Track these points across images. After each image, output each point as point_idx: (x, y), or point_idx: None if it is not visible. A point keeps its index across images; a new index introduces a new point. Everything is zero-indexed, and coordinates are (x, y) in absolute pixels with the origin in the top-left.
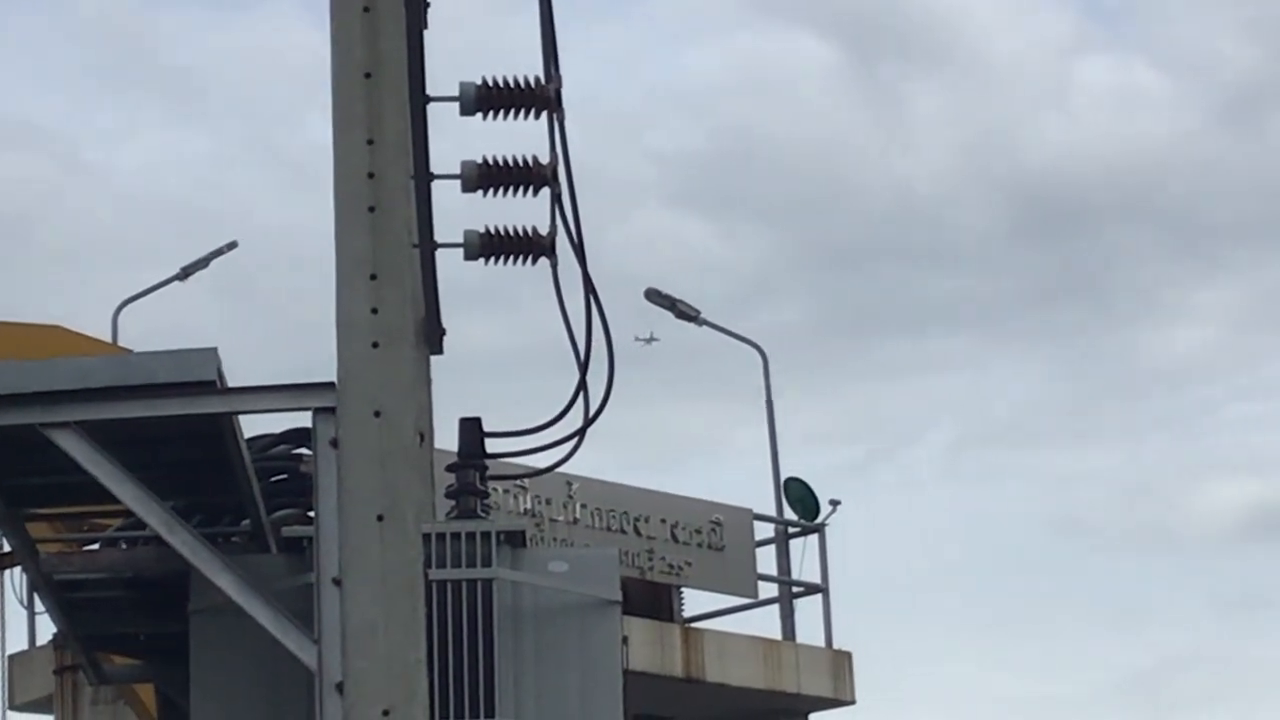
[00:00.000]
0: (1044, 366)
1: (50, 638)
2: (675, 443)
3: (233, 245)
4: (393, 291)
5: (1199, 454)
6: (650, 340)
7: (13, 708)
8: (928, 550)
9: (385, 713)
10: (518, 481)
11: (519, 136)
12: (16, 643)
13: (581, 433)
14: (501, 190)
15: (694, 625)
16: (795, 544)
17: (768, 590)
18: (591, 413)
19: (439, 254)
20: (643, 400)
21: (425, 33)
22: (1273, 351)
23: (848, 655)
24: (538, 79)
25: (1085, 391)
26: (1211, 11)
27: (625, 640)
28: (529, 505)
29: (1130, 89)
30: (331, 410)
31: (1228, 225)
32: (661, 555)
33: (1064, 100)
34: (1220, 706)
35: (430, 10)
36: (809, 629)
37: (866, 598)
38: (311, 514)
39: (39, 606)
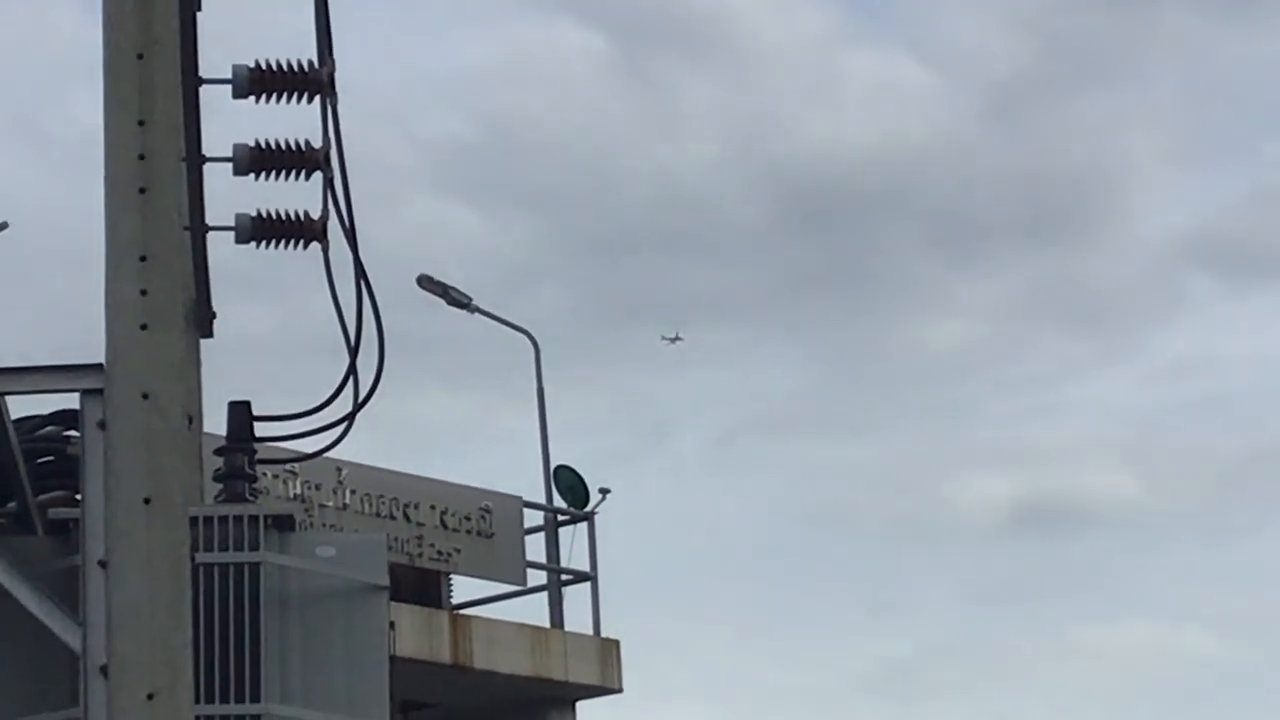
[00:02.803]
0: (807, 357)
1: None
2: (445, 430)
3: (4, 226)
4: (163, 274)
5: (958, 447)
6: (675, 340)
7: None
8: (694, 540)
9: (150, 696)
10: (287, 466)
11: (291, 120)
12: None
13: (351, 418)
14: (273, 174)
15: (462, 612)
16: (564, 532)
17: (537, 578)
18: (361, 398)
19: (210, 237)
20: (413, 387)
21: (198, 14)
22: (1033, 346)
23: (615, 643)
24: (311, 63)
25: (847, 383)
26: (977, 8)
27: (392, 626)
28: (298, 490)
29: (895, 83)
30: (99, 392)
31: (990, 220)
32: (430, 542)
33: (829, 93)
34: (974, 696)
35: None
36: (577, 617)
37: (635, 586)
38: (79, 496)
39: None
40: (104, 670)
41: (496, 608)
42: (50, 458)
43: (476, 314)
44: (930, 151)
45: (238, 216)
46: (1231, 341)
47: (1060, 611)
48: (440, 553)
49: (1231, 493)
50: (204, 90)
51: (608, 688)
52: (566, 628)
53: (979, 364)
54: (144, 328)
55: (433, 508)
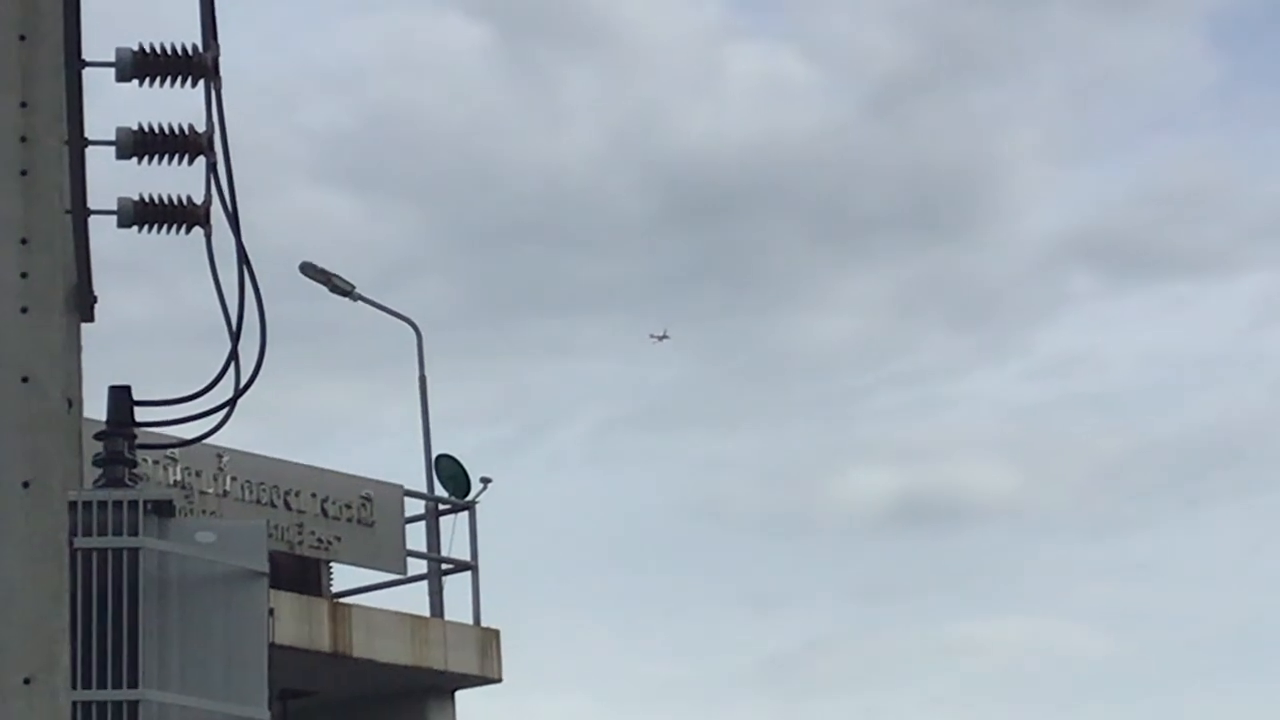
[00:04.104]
0: (690, 351)
1: None
2: (327, 417)
3: None
4: (44, 257)
5: (841, 442)
6: (663, 338)
7: None
8: (575, 531)
9: (26, 680)
10: (167, 452)
11: (175, 105)
12: None
13: (232, 404)
14: (156, 158)
15: (342, 600)
16: (445, 521)
17: (417, 567)
18: (242, 384)
19: (91, 221)
20: (296, 374)
21: None
22: (917, 341)
23: (495, 633)
24: (195, 47)
25: (730, 377)
26: (861, 3)
27: (272, 613)
28: (179, 477)
29: (779, 78)
30: None
31: (875, 215)
32: (311, 530)
33: (713, 86)
34: (856, 692)
35: None
36: (458, 606)
37: (515, 576)
38: None
39: None
40: None
41: (376, 596)
42: None
43: (359, 302)
44: (814, 146)
45: (120, 201)
46: (1112, 338)
47: (942, 607)
48: (320, 541)
49: (1112, 489)
50: (87, 73)
51: (487, 677)
52: (447, 617)
53: (862, 359)
54: (24, 311)
55: (313, 495)
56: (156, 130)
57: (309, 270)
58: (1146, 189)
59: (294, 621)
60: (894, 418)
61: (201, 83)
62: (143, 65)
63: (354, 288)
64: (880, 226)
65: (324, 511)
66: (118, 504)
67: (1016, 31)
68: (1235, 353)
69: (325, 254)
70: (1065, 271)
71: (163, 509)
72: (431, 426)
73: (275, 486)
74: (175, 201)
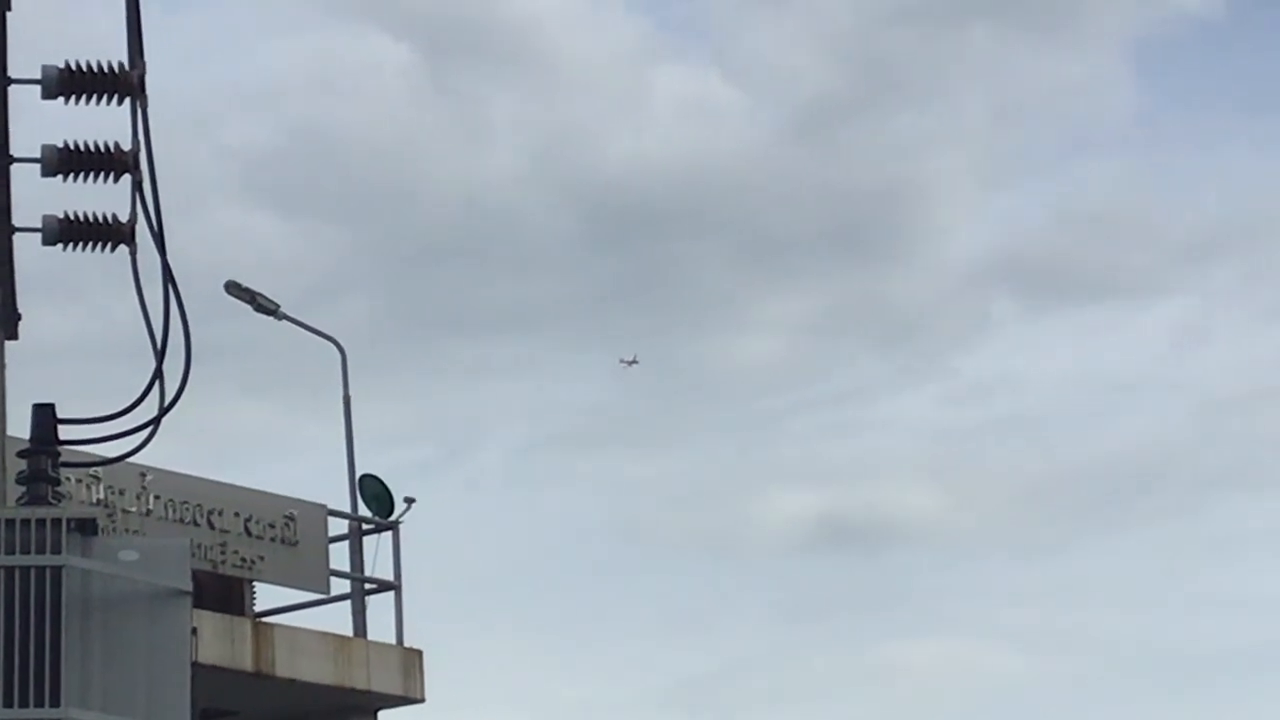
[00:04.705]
0: (612, 372)
1: None
2: (250, 436)
3: None
4: None
5: (763, 463)
6: (632, 363)
7: None
8: (498, 552)
9: None
10: (90, 470)
11: (101, 123)
12: None
13: (156, 422)
14: (82, 176)
15: (265, 620)
16: (369, 541)
17: (341, 586)
18: (166, 403)
19: (16, 238)
20: (220, 394)
21: (7, 14)
22: (839, 363)
23: (418, 653)
24: (121, 65)
25: (652, 397)
26: (786, 27)
27: (195, 632)
28: (102, 495)
29: (704, 100)
30: None
31: (797, 237)
32: (234, 549)
33: (637, 108)
34: (779, 712)
35: None
36: (381, 626)
37: (439, 597)
38: None
39: None
40: None
41: (300, 616)
42: None
43: (284, 321)
44: (738, 169)
45: (45, 218)
46: (1033, 362)
47: (865, 628)
48: (244, 560)
49: (1034, 511)
50: (12, 90)
51: (410, 697)
52: (370, 637)
53: (785, 380)
54: None
55: (237, 515)
56: (82, 148)
57: (233, 289)
58: (1068, 212)
59: (216, 641)
60: (817, 439)
61: (127, 100)
62: (69, 82)
63: (278, 307)
64: (804, 249)
65: (247, 530)
66: (41, 522)
67: (940, 56)
68: (1155, 376)
69: (248, 273)
70: (987, 295)
71: (86, 527)
72: (355, 446)
73: (199, 505)
74: (100, 219)
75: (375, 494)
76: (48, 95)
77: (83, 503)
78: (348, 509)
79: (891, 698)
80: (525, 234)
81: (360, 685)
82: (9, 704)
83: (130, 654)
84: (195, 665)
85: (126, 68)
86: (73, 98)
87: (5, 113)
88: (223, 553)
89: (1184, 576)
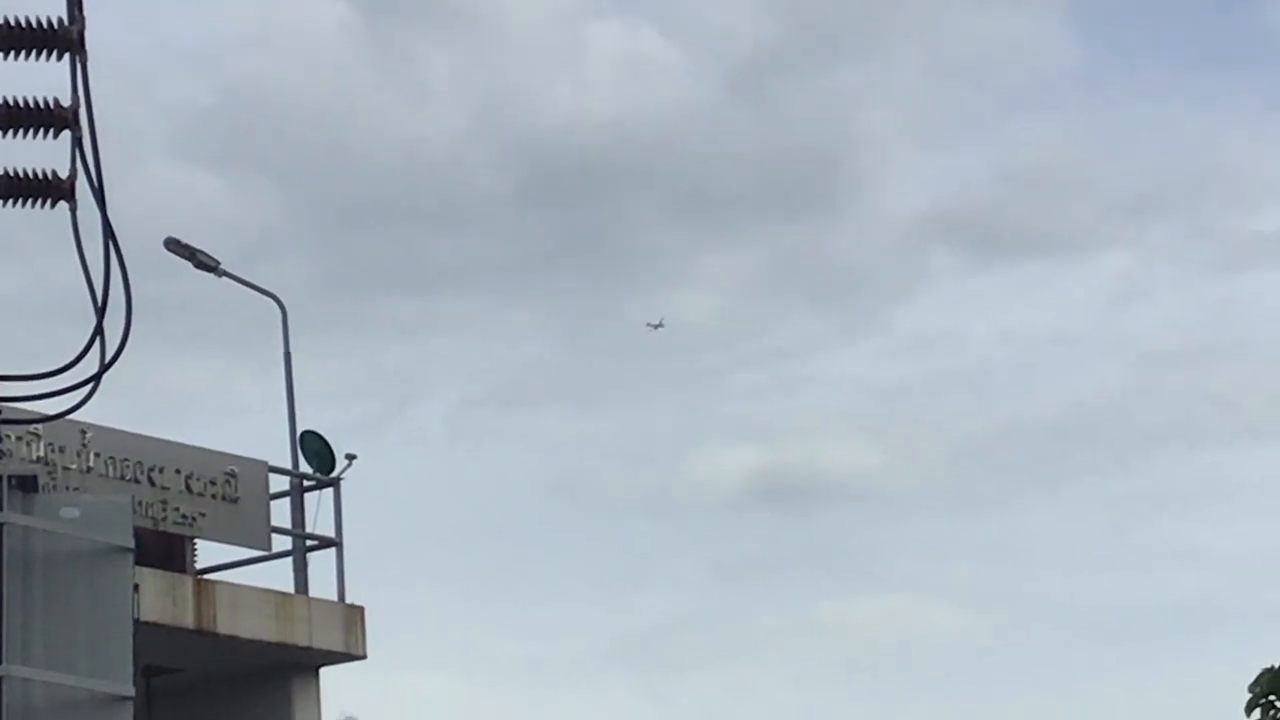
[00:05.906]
0: (549, 329)
1: None
2: (191, 393)
3: None
4: None
5: (701, 420)
6: (659, 326)
7: None
8: (438, 508)
9: None
10: (30, 428)
11: (39, 79)
12: None
13: (96, 380)
14: (21, 132)
15: (206, 577)
16: (310, 498)
17: (282, 543)
18: (107, 360)
19: None
20: (160, 350)
21: None
22: (777, 319)
23: (360, 610)
24: (61, 20)
25: (590, 354)
26: None
27: (136, 589)
28: (42, 452)
29: (641, 57)
30: None
31: (735, 194)
32: (175, 506)
33: (575, 65)
34: (719, 669)
35: None
36: (322, 583)
37: (380, 553)
38: None
39: None
40: None
41: (241, 573)
42: None
43: (224, 277)
44: (675, 125)
45: None
46: (972, 317)
47: (805, 585)
48: (185, 517)
49: (974, 467)
50: None
51: (352, 654)
52: (311, 594)
53: (722, 337)
54: None
55: (177, 472)
56: (21, 104)
57: (173, 246)
58: (1006, 168)
59: (158, 598)
60: (754, 396)
61: (67, 56)
62: (7, 38)
63: (219, 263)
64: (741, 205)
65: (188, 488)
66: None
67: (877, 11)
68: (1095, 332)
69: (186, 230)
70: (925, 250)
71: (27, 484)
72: (296, 402)
73: (139, 463)
74: (40, 176)
75: (316, 450)
76: None
77: (23, 460)
78: (289, 466)
79: (833, 654)
80: (464, 191)
81: (302, 642)
82: None
83: (72, 611)
84: (137, 622)
85: (66, 23)
86: (11, 53)
87: None
88: (164, 510)
89: (1124, 531)
